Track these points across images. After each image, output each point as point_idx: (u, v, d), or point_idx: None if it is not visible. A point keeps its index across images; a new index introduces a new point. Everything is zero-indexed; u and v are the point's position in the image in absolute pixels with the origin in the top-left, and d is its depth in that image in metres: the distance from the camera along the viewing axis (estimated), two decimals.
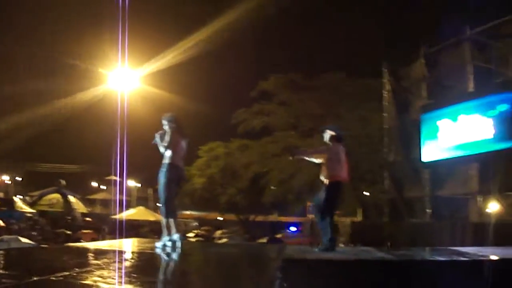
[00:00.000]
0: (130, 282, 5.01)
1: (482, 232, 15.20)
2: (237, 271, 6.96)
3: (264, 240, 31.12)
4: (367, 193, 30.71)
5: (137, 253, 8.46)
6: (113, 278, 5.17)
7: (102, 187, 59.69)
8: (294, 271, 5.76)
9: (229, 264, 7.76)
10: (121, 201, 39.91)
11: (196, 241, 30.58)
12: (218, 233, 38.67)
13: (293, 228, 39.98)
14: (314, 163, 8.83)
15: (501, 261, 6.86)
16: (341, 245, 18.29)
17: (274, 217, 47.70)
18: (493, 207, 19.49)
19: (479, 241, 13.57)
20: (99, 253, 7.83)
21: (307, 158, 8.94)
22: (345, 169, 8.30)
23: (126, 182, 46.52)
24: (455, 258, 7.15)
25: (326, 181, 8.18)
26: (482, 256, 7.32)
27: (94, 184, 62.22)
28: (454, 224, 16.98)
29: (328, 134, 8.49)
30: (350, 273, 5.96)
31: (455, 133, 18.39)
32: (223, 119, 35.36)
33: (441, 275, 6.06)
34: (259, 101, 32.91)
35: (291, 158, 8.57)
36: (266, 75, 32.55)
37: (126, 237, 17.73)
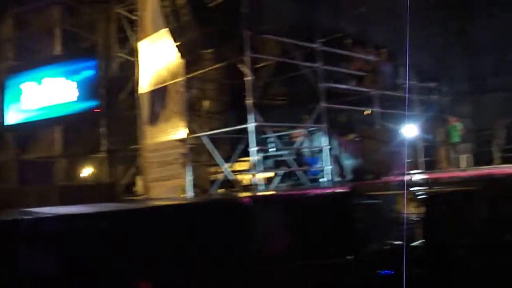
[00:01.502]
0: None
1: (68, 194, 14.70)
2: None
3: None
4: None
5: None
6: None
7: None
8: None
9: None
10: None
11: None
12: None
13: None
14: None
15: (61, 216, 7.15)
16: None
17: None
18: (80, 169, 19.19)
19: (66, 203, 13.00)
20: None
21: None
22: None
23: None
24: (19, 217, 6.91)
25: None
26: (46, 214, 7.45)
27: None
28: (41, 187, 15.95)
29: None
30: None
31: (39, 96, 17.55)
32: None
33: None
34: None
35: None
36: None
37: None
